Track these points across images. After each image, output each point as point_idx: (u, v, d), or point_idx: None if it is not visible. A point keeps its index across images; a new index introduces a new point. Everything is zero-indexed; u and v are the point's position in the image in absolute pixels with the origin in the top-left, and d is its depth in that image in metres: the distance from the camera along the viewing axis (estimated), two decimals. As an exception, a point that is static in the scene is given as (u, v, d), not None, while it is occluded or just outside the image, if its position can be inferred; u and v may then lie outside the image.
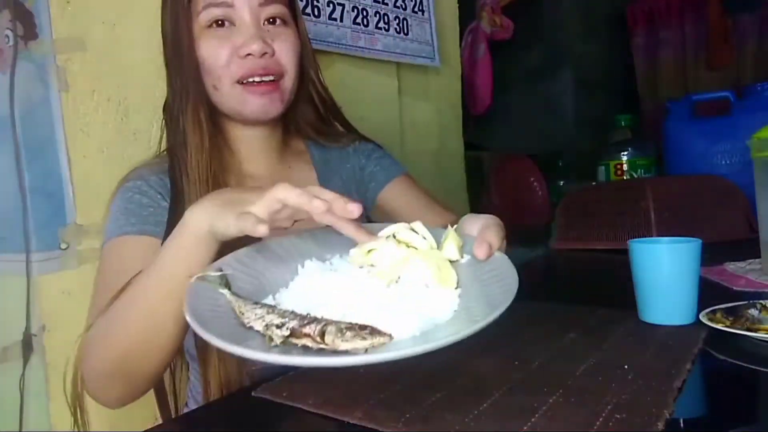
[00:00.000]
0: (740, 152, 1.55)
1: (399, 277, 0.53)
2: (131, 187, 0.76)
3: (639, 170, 1.95)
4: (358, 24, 1.54)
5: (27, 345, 0.99)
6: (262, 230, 0.50)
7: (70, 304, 1.02)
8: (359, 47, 1.55)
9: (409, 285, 0.52)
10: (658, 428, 0.44)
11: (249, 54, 0.75)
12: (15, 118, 0.97)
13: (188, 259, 0.58)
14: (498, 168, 2.52)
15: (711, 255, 0.86)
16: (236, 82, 0.76)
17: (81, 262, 1.03)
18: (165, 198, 0.75)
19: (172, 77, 0.79)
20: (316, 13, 1.43)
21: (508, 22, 2.79)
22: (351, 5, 1.52)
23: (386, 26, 1.63)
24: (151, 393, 0.98)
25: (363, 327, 0.44)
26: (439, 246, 0.58)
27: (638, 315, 0.75)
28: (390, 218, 0.90)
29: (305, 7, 1.40)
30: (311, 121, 0.90)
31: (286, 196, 0.53)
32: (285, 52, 0.78)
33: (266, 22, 0.78)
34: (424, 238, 0.57)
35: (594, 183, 2.05)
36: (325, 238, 0.63)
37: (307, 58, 0.84)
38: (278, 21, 0.78)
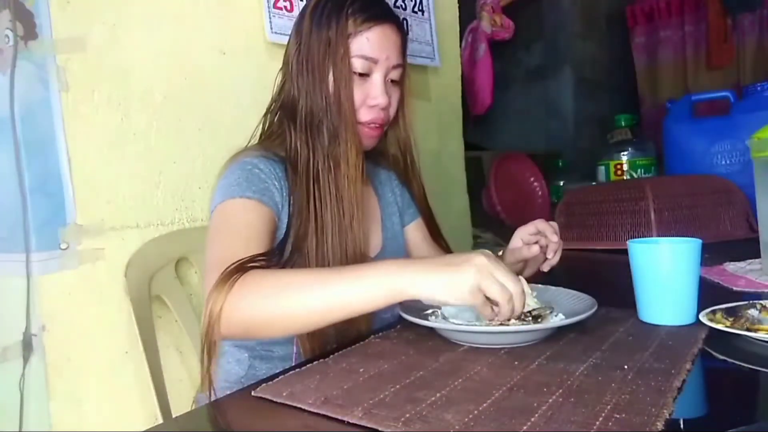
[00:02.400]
0: (740, 152, 1.55)
1: None
2: (251, 161, 0.85)
3: (639, 170, 1.96)
4: (358, 24, 1.54)
5: (27, 345, 0.99)
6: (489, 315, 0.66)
7: (70, 304, 1.02)
8: (359, 47, 1.55)
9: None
10: (658, 428, 0.44)
11: (376, 105, 0.90)
12: (15, 118, 0.97)
13: (371, 304, 0.66)
14: (498, 168, 2.52)
15: (711, 255, 0.86)
16: (359, 123, 0.90)
17: (81, 262, 1.03)
18: (276, 179, 0.85)
19: (315, 84, 0.88)
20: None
21: (509, 21, 2.79)
22: (351, 5, 1.52)
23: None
24: (151, 393, 0.99)
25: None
26: None
27: (638, 315, 0.75)
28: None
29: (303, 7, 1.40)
30: (388, 149, 1.03)
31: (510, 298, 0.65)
32: (393, 106, 0.94)
33: (389, 80, 0.92)
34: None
35: (594, 183, 2.06)
36: None
37: (402, 104, 0.98)
38: (395, 82, 0.93)
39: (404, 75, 0.95)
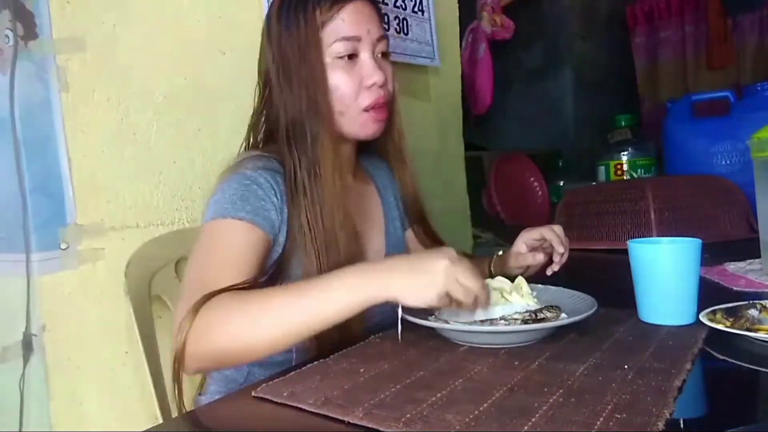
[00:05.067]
0: (740, 152, 1.55)
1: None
2: (250, 176, 0.80)
3: (639, 170, 1.96)
4: (358, 24, 1.54)
5: (27, 345, 0.99)
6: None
7: (70, 304, 1.02)
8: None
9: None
10: (658, 428, 0.44)
11: (373, 84, 0.86)
12: (15, 118, 0.97)
13: (343, 315, 0.66)
14: (498, 168, 2.52)
15: (711, 255, 0.86)
16: (363, 110, 0.86)
17: (81, 262, 1.03)
18: (275, 195, 0.81)
19: (293, 93, 0.85)
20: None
21: (509, 21, 2.78)
22: (351, 5, 1.52)
23: (386, 26, 1.63)
24: (152, 393, 0.99)
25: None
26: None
27: (638, 315, 0.75)
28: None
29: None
30: (385, 139, 0.98)
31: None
32: (390, 81, 0.89)
33: (378, 55, 0.88)
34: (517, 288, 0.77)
35: (594, 183, 2.06)
36: None
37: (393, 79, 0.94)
38: (385, 54, 0.89)
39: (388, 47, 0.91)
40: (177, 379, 0.70)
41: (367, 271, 0.68)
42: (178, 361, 0.67)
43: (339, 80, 0.85)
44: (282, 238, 0.81)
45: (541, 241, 0.93)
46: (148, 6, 1.13)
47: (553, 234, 0.91)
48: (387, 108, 0.89)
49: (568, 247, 0.92)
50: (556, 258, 0.92)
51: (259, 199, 0.79)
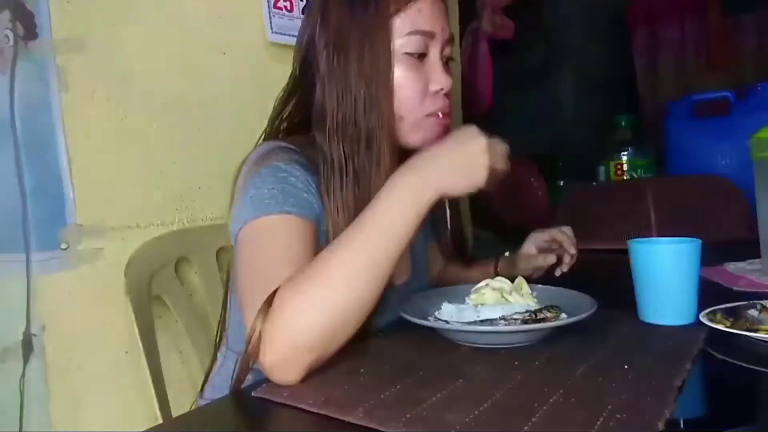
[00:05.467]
0: (740, 152, 1.54)
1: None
2: (284, 168, 0.73)
3: (639, 170, 1.95)
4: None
5: (27, 345, 0.99)
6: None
7: (70, 304, 1.02)
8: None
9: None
10: (658, 428, 0.44)
11: (440, 90, 0.77)
12: (15, 118, 0.97)
13: (415, 218, 0.63)
14: (498, 168, 2.52)
15: (711, 255, 0.86)
16: (426, 116, 0.78)
17: (81, 262, 1.03)
18: (311, 187, 0.74)
19: (348, 85, 0.75)
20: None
21: (509, 22, 2.78)
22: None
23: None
24: (152, 393, 0.99)
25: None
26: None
27: (638, 315, 0.75)
28: None
29: (304, 6, 1.40)
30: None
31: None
32: (451, 90, 0.80)
33: (445, 59, 0.79)
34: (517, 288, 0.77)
35: (594, 183, 2.05)
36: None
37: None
38: (449, 60, 0.80)
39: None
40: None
41: (416, 171, 0.64)
42: (253, 360, 0.59)
43: (405, 79, 0.75)
44: (324, 227, 0.75)
45: (550, 243, 0.92)
46: (148, 6, 1.13)
47: (564, 236, 0.91)
48: (450, 119, 0.80)
49: (577, 249, 0.91)
50: (566, 259, 0.91)
51: (300, 191, 0.72)
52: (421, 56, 0.76)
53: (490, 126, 0.70)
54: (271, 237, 0.69)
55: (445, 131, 0.79)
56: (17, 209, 0.98)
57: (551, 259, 0.90)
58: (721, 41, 2.87)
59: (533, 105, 3.09)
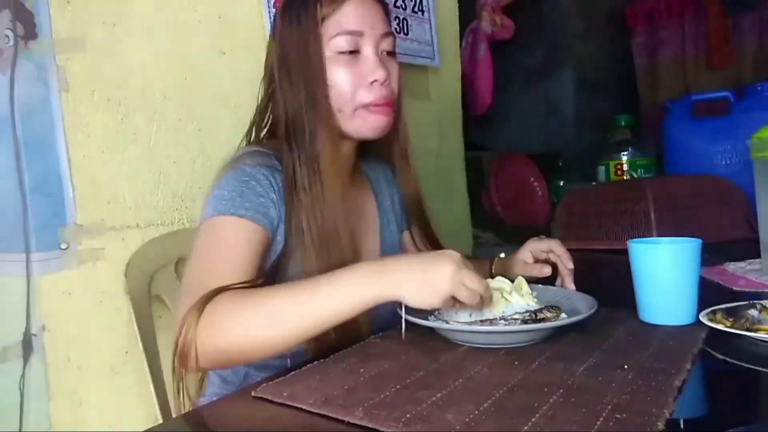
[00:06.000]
0: (740, 152, 1.55)
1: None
2: (249, 172, 0.80)
3: (639, 170, 1.95)
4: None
5: (27, 345, 0.99)
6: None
7: (70, 304, 1.02)
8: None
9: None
10: (658, 428, 0.44)
11: (374, 81, 0.83)
12: (15, 118, 0.97)
13: (348, 314, 0.66)
14: (498, 168, 2.52)
15: (711, 255, 0.86)
16: (362, 107, 0.84)
17: (81, 262, 1.03)
18: (274, 191, 0.80)
19: (293, 89, 0.84)
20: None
21: (509, 21, 2.78)
22: (351, 5, 1.52)
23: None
24: (152, 393, 0.99)
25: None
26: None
27: (638, 315, 0.75)
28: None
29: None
30: (390, 140, 0.95)
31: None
32: (395, 80, 0.87)
33: (382, 53, 0.86)
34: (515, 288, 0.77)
35: (594, 183, 2.05)
36: None
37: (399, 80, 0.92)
38: (390, 53, 0.87)
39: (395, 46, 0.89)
40: (179, 377, 0.70)
41: (376, 269, 0.67)
42: (180, 357, 0.67)
43: (338, 76, 0.83)
44: (280, 236, 0.81)
45: (547, 253, 0.92)
46: (148, 6, 1.13)
47: (562, 249, 0.90)
48: (391, 107, 0.86)
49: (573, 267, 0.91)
50: (565, 273, 0.90)
51: (258, 195, 0.78)
52: (354, 53, 0.83)
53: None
54: (219, 235, 0.76)
55: (387, 117, 0.85)
56: (17, 209, 0.98)
57: (547, 270, 0.90)
58: (721, 41, 2.87)
59: (533, 105, 3.09)
